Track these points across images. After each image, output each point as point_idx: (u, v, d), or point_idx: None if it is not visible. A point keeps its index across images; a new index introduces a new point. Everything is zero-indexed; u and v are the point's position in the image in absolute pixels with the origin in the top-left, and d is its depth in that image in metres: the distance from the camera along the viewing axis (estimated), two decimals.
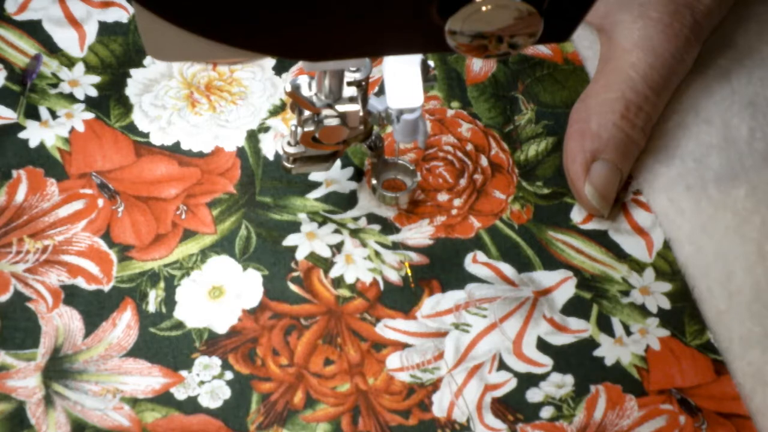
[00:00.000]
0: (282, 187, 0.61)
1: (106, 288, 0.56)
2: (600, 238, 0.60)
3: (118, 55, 0.65)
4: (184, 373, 0.54)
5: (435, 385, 0.54)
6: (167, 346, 0.55)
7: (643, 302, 0.57)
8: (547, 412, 0.54)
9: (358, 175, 0.61)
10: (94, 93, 0.63)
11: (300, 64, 0.65)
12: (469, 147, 0.63)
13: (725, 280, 0.58)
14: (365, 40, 0.46)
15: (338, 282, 0.57)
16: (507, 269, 0.58)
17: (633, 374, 0.55)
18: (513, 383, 0.54)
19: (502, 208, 0.60)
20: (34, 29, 0.65)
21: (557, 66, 0.66)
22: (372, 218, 0.60)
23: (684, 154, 0.62)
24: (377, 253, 0.58)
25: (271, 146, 0.62)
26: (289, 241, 0.59)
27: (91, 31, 0.66)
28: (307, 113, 0.55)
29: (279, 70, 0.65)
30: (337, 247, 0.58)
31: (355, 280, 0.57)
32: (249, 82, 0.64)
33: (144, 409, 0.53)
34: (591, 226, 0.60)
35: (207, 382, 0.54)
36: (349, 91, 0.55)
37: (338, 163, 0.61)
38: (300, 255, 0.58)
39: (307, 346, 0.55)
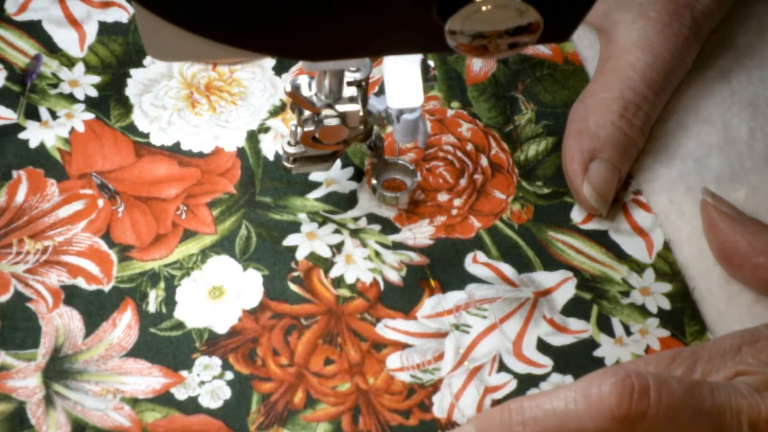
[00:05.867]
0: (282, 187, 0.61)
1: (107, 288, 0.56)
2: (600, 239, 0.60)
3: (118, 55, 0.65)
4: (184, 373, 0.54)
5: (435, 386, 0.54)
6: (167, 346, 0.55)
7: (643, 303, 0.57)
8: None
9: (358, 175, 0.61)
10: (94, 93, 0.63)
11: (300, 64, 0.65)
12: (469, 147, 0.63)
13: (725, 282, 0.58)
14: (365, 40, 0.46)
15: (338, 282, 0.57)
16: (507, 269, 0.58)
17: None
18: (513, 384, 0.54)
19: (502, 208, 0.61)
20: (34, 29, 0.65)
21: (557, 66, 0.66)
22: (372, 218, 0.60)
23: (684, 154, 0.62)
24: (377, 253, 0.58)
25: (271, 146, 0.62)
26: (290, 241, 0.59)
27: (91, 31, 0.66)
28: (307, 113, 0.55)
29: (279, 70, 0.65)
30: (338, 247, 0.58)
31: (355, 280, 0.57)
32: (249, 82, 0.64)
33: (144, 409, 0.53)
34: (591, 226, 0.60)
35: (207, 382, 0.54)
36: (349, 91, 0.55)
37: (338, 163, 0.61)
38: (300, 255, 0.58)
39: (307, 346, 0.55)
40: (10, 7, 0.66)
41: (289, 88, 0.54)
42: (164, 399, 0.53)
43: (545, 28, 0.44)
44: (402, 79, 0.55)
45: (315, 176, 0.61)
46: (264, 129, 0.63)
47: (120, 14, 0.67)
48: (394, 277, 0.58)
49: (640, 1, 0.63)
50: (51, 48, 0.65)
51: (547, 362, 0.55)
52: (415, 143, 0.61)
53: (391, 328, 0.56)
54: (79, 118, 0.62)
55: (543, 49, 0.67)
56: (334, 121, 0.55)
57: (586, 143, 0.60)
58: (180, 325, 0.56)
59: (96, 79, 0.64)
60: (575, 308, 0.57)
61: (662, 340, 0.56)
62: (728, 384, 0.48)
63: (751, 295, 0.57)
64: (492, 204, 0.61)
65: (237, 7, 0.43)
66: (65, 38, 0.65)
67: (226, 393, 0.54)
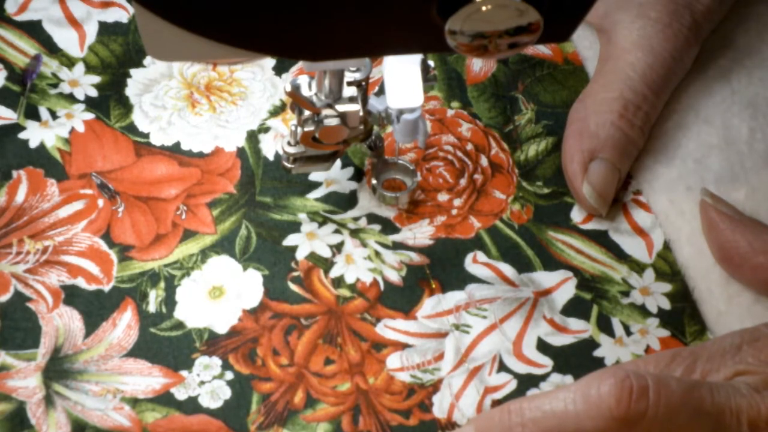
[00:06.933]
0: (282, 187, 0.61)
1: (107, 288, 0.56)
2: (600, 239, 0.60)
3: (118, 55, 0.65)
4: (184, 373, 0.54)
5: (435, 386, 0.54)
6: (167, 346, 0.55)
7: (643, 303, 0.57)
8: None
9: (358, 175, 0.61)
10: (94, 93, 0.63)
11: (300, 64, 0.65)
12: (469, 147, 0.63)
13: (725, 282, 0.58)
14: (365, 40, 0.46)
15: (338, 282, 0.57)
16: (507, 269, 0.58)
17: None
18: (513, 385, 0.54)
19: (502, 208, 0.61)
20: (34, 29, 0.65)
21: (557, 66, 0.66)
22: (372, 218, 0.60)
23: (684, 154, 0.62)
24: (377, 253, 0.58)
25: (271, 146, 0.62)
26: (290, 241, 0.59)
27: (91, 31, 0.66)
28: (307, 113, 0.55)
29: (279, 70, 0.65)
30: (338, 247, 0.58)
31: (355, 280, 0.58)
32: (249, 82, 0.64)
33: (144, 409, 0.53)
34: (591, 226, 0.60)
35: (207, 382, 0.54)
36: (349, 91, 0.55)
37: (338, 163, 0.61)
38: (300, 255, 0.58)
39: (307, 346, 0.55)
40: (10, 7, 0.66)
41: (289, 88, 0.54)
42: (164, 399, 0.53)
43: (545, 28, 0.44)
44: (402, 79, 0.55)
45: (315, 176, 0.61)
46: (264, 129, 0.63)
47: (120, 14, 0.67)
48: (394, 277, 0.58)
49: (640, 1, 0.63)
50: (51, 48, 0.65)
51: (547, 362, 0.55)
52: (415, 143, 0.61)
53: (391, 328, 0.56)
54: (79, 118, 0.62)
55: (543, 49, 0.67)
56: (334, 121, 0.55)
57: (586, 143, 0.60)
58: (180, 325, 0.56)
59: (96, 79, 0.64)
60: (575, 308, 0.57)
61: (662, 340, 0.56)
62: (728, 384, 0.48)
63: (751, 295, 0.57)
64: (492, 204, 0.61)
65: (237, 7, 0.43)
66: (65, 38, 0.65)
67: (226, 393, 0.54)
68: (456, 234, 0.59)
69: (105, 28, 0.66)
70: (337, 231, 0.59)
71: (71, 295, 0.56)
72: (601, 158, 0.59)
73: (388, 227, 0.59)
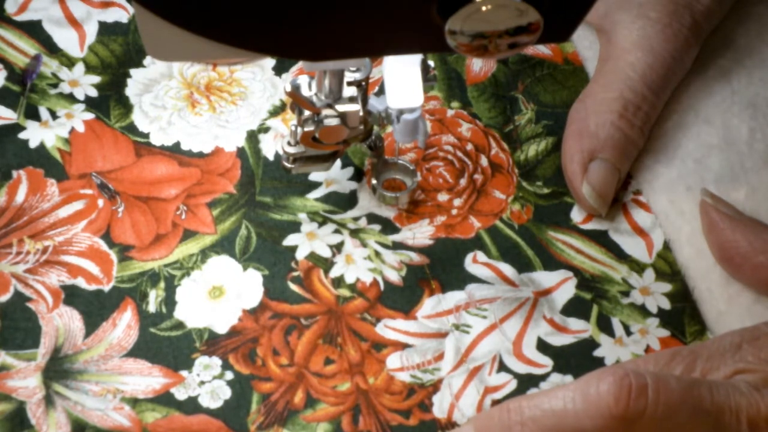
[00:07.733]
0: (282, 187, 0.61)
1: (107, 288, 0.56)
2: (600, 239, 0.60)
3: (118, 55, 0.65)
4: (184, 373, 0.54)
5: (435, 386, 0.54)
6: (167, 346, 0.55)
7: (643, 302, 0.57)
8: None
9: (358, 175, 0.61)
10: (94, 93, 0.63)
11: (300, 64, 0.65)
12: (469, 147, 0.63)
13: (725, 282, 0.58)
14: (365, 40, 0.46)
15: (338, 282, 0.57)
16: (507, 269, 0.58)
17: None
18: (513, 385, 0.55)
19: (502, 208, 0.61)
20: (34, 29, 0.65)
21: (557, 66, 0.66)
22: (372, 218, 0.60)
23: (684, 154, 0.62)
24: (377, 253, 0.58)
25: (271, 146, 0.62)
26: (290, 241, 0.59)
27: (91, 31, 0.66)
28: (307, 113, 0.55)
29: (279, 70, 0.65)
30: (338, 247, 0.59)
31: (355, 280, 0.58)
32: (249, 82, 0.64)
33: (144, 409, 0.53)
34: (591, 226, 0.60)
35: (207, 382, 0.54)
36: (349, 91, 0.55)
37: (338, 163, 0.61)
38: (300, 255, 0.58)
39: (307, 346, 0.55)
40: (10, 7, 0.66)
41: (289, 88, 0.54)
42: (164, 399, 0.53)
43: (545, 28, 0.44)
44: (402, 79, 0.55)
45: (315, 176, 0.61)
46: (264, 129, 0.63)
47: (120, 14, 0.67)
48: (394, 277, 0.58)
49: (640, 1, 0.63)
50: (51, 48, 0.65)
51: (547, 362, 0.55)
52: (415, 143, 0.61)
53: (391, 328, 0.56)
54: (79, 118, 0.62)
55: (543, 49, 0.67)
56: (334, 121, 0.55)
57: (586, 143, 0.60)
58: (180, 325, 0.56)
59: (96, 79, 0.64)
60: (575, 308, 0.57)
61: (662, 340, 0.56)
62: (727, 382, 0.48)
63: (751, 295, 0.57)
64: (492, 204, 0.61)
65: (237, 7, 0.43)
66: (65, 38, 0.65)
67: (226, 393, 0.54)
68: (456, 234, 0.59)
69: (105, 28, 0.66)
70: (337, 231, 0.59)
71: (71, 295, 0.56)
72: (600, 158, 0.59)
73: (388, 227, 0.59)
